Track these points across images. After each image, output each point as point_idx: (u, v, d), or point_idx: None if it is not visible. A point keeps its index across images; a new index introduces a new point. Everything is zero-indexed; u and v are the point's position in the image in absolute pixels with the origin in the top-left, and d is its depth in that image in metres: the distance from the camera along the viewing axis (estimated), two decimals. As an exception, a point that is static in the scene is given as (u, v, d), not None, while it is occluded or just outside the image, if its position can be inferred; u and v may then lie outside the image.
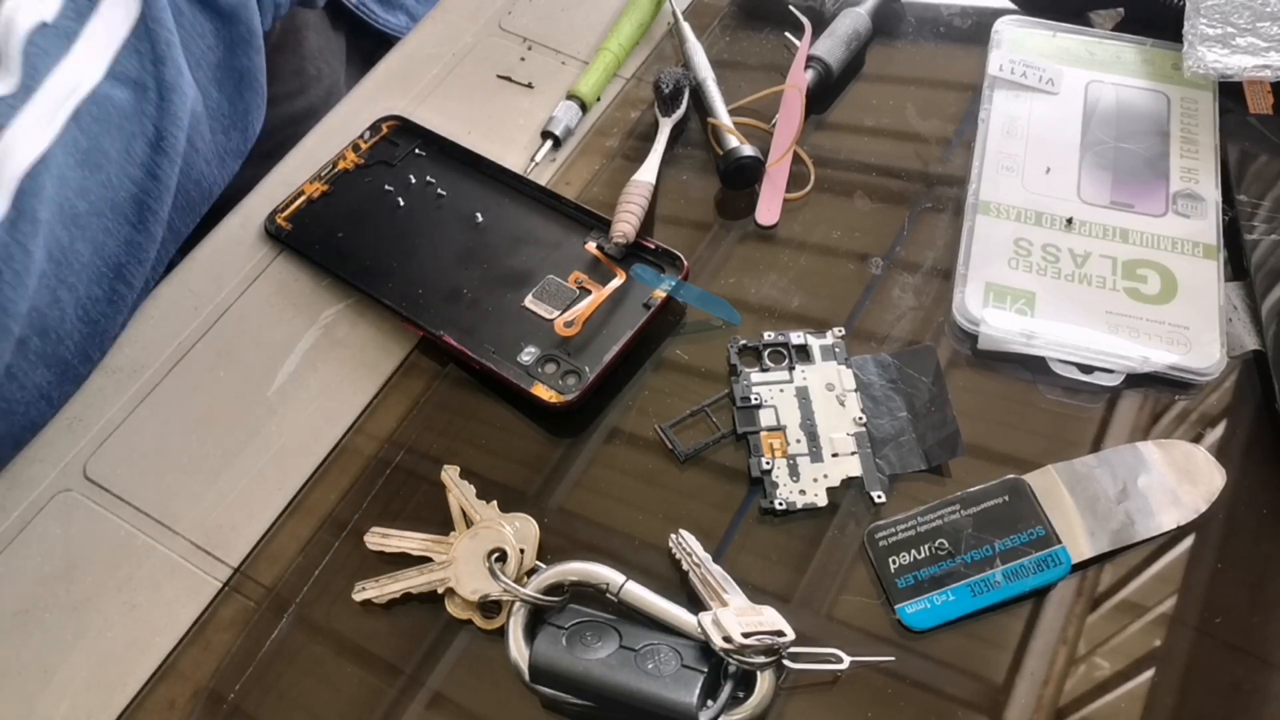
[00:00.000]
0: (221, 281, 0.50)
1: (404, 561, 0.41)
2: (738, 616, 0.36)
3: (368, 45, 0.74)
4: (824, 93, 0.55)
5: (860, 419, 0.44)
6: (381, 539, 0.42)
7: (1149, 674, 0.38)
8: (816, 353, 0.46)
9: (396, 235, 0.50)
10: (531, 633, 0.38)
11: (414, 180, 0.52)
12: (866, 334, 0.47)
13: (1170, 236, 0.48)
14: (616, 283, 0.47)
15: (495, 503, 0.42)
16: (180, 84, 0.46)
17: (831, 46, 0.55)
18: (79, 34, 0.42)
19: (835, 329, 0.46)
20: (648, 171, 0.50)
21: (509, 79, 0.57)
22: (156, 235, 0.47)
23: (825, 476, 0.42)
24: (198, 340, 0.48)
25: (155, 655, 0.40)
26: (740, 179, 0.51)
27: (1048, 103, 0.53)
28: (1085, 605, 0.39)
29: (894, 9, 0.59)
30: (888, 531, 0.41)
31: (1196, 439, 0.43)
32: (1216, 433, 0.43)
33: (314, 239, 0.50)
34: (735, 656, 0.36)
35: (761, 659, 0.36)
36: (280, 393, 0.46)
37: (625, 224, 0.47)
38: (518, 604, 0.39)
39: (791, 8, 0.58)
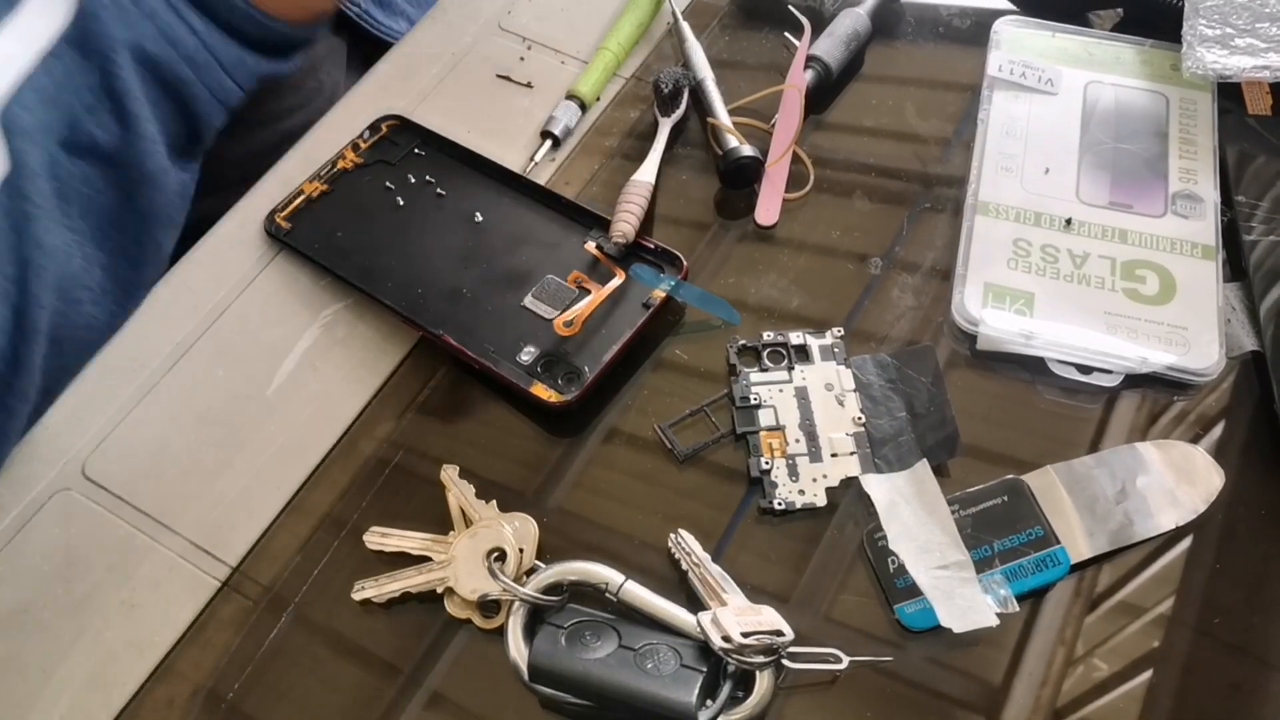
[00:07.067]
0: (221, 281, 0.50)
1: (403, 561, 0.41)
2: (737, 616, 0.36)
3: (368, 51, 0.73)
4: (823, 93, 0.55)
5: (859, 419, 0.44)
6: (381, 538, 0.42)
7: (1147, 675, 0.38)
8: (815, 353, 0.46)
9: (396, 235, 0.50)
10: (531, 632, 0.38)
11: (413, 180, 0.52)
12: (865, 334, 0.47)
13: (1169, 237, 0.48)
14: (616, 282, 0.47)
15: (494, 502, 0.42)
16: (38, 257, 0.40)
17: (831, 46, 0.55)
18: None
19: (834, 329, 0.46)
20: (647, 171, 0.50)
21: (508, 78, 0.57)
22: (21, 411, 0.42)
23: (824, 476, 0.42)
24: (197, 339, 0.48)
25: (154, 654, 0.40)
26: (740, 179, 0.51)
27: (1047, 103, 0.53)
28: (1084, 606, 0.39)
29: (893, 9, 0.59)
30: (887, 531, 0.41)
31: (1195, 439, 0.43)
32: (1215, 433, 0.43)
33: (313, 238, 0.50)
34: (734, 656, 0.36)
35: (760, 659, 0.36)
36: (279, 392, 0.46)
37: (625, 224, 0.47)
38: (517, 603, 0.39)
39: (791, 8, 0.58)
